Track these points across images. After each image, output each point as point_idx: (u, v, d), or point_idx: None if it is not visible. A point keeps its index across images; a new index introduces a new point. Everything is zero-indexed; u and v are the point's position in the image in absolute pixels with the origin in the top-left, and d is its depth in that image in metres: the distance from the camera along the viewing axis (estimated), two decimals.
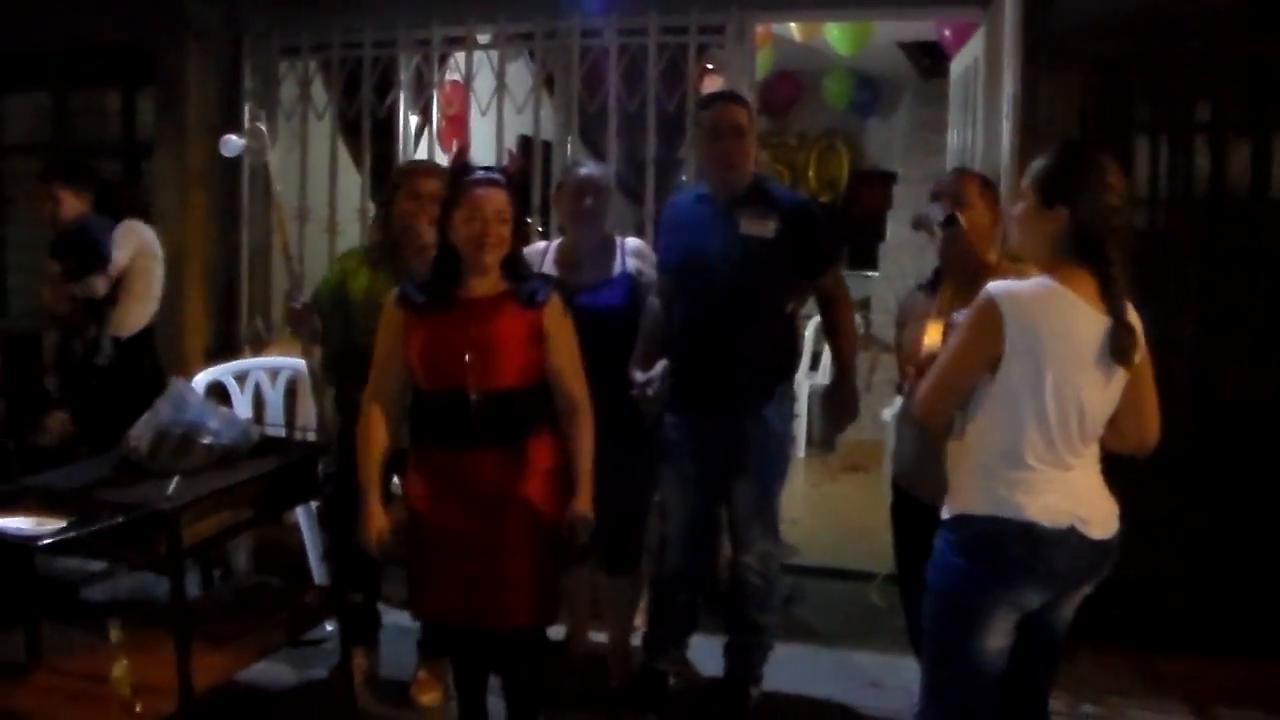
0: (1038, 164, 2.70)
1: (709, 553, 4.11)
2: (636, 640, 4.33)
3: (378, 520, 3.35)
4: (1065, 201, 2.60)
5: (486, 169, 3.40)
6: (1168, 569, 4.47)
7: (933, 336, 3.20)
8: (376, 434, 3.38)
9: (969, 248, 3.36)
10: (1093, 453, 2.70)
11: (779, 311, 3.94)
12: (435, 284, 3.34)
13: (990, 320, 2.57)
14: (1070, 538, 2.61)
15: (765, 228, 3.82)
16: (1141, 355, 2.64)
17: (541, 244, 4.29)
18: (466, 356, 3.22)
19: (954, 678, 2.77)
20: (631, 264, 4.07)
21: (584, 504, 3.33)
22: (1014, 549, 2.60)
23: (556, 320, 3.34)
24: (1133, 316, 2.60)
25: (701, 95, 4.96)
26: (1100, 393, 2.62)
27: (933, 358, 2.90)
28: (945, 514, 2.75)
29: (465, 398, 3.22)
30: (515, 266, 3.36)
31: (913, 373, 3.17)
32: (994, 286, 2.60)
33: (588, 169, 4.15)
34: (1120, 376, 2.63)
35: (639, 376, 3.83)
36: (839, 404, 4.01)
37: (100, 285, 5.01)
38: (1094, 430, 2.66)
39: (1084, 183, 2.59)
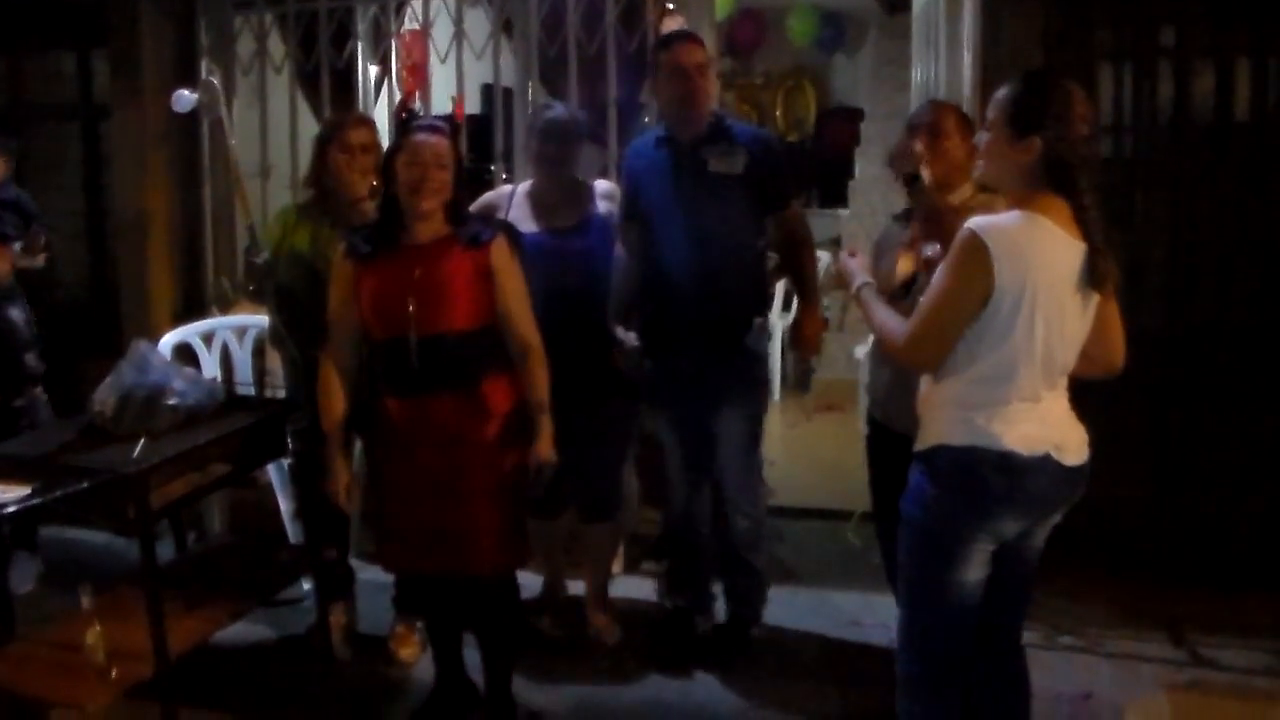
0: (1004, 94, 2.65)
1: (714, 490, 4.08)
2: (614, 589, 4.36)
3: (342, 474, 3.39)
4: (1036, 131, 2.56)
5: (431, 119, 3.39)
6: (1141, 496, 4.50)
7: (904, 267, 3.22)
8: (335, 390, 3.41)
9: (935, 200, 3.35)
10: (1063, 381, 2.70)
11: (751, 248, 3.92)
12: (379, 232, 3.35)
13: (978, 257, 2.52)
14: (1047, 465, 2.61)
15: (734, 164, 3.80)
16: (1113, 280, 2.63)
17: (508, 187, 4.25)
18: (410, 301, 3.22)
19: (933, 611, 2.77)
20: (603, 206, 4.05)
21: (544, 448, 3.34)
22: (992, 478, 2.60)
23: (504, 261, 3.34)
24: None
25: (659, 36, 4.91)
26: (1078, 321, 2.63)
27: (902, 285, 2.91)
28: (919, 446, 2.74)
29: (412, 343, 3.24)
30: (458, 212, 3.35)
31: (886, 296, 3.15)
32: (976, 223, 2.56)
33: (555, 111, 4.10)
34: (1094, 303, 2.64)
35: (619, 333, 3.83)
36: (805, 335, 4.02)
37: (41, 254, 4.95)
38: (1072, 359, 2.66)
39: (1054, 112, 2.56)
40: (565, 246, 3.92)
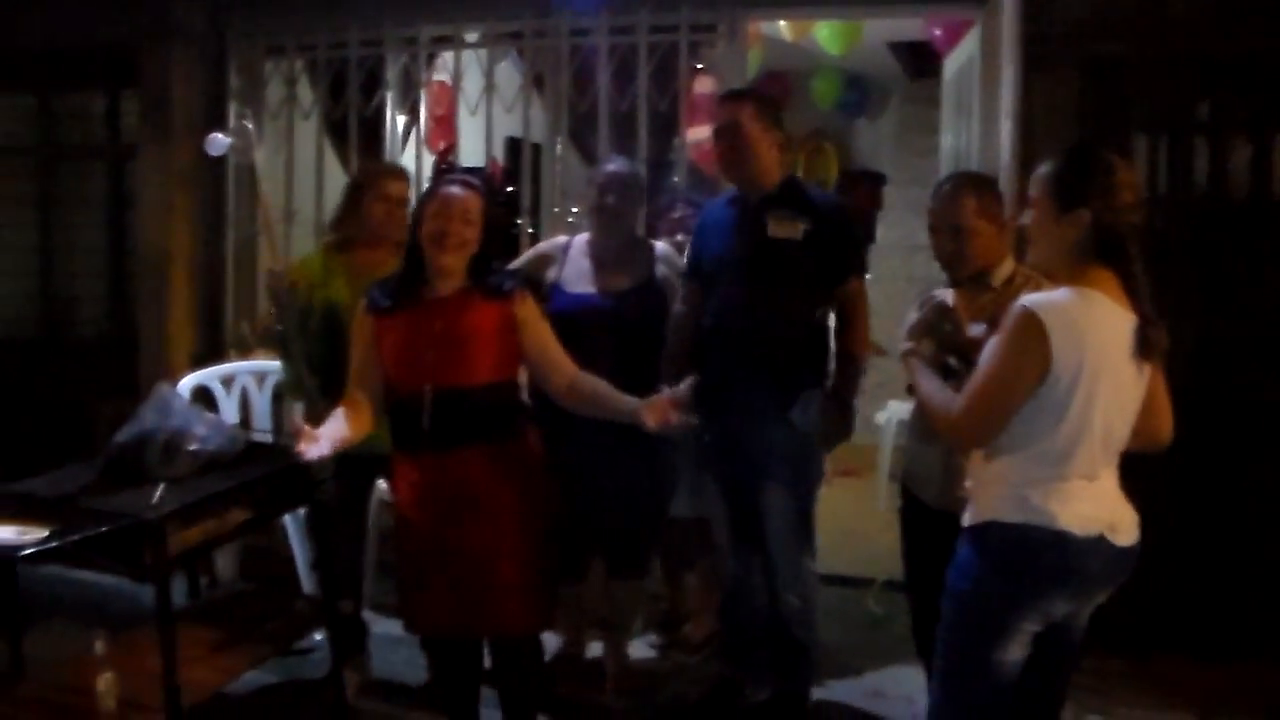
0: (1046, 170, 2.63)
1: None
2: (638, 652, 4.33)
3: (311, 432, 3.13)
4: (1083, 203, 2.53)
5: (469, 172, 3.36)
6: (1169, 573, 4.43)
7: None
8: (356, 409, 3.28)
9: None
10: (1116, 459, 2.65)
11: (806, 316, 3.79)
12: (401, 283, 3.30)
13: (1035, 335, 2.47)
14: (1100, 546, 2.56)
15: (794, 229, 3.71)
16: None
17: (563, 238, 4.22)
18: (431, 354, 3.18)
19: (970, 689, 2.69)
20: (661, 270, 4.01)
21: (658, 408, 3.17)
22: (1046, 558, 2.54)
23: (529, 311, 3.31)
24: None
25: (693, 95, 4.92)
26: (1134, 394, 2.59)
27: (940, 366, 2.92)
28: (970, 520, 2.68)
29: (428, 397, 3.19)
30: (482, 272, 3.29)
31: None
32: (1032, 300, 2.52)
33: (617, 164, 4.07)
34: (1145, 374, 2.60)
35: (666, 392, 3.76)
36: (831, 420, 3.80)
37: None
38: (1128, 434, 2.62)
39: (1099, 183, 2.53)
40: (622, 310, 3.86)
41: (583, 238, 4.09)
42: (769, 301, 3.70)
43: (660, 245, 4.12)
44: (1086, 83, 4.45)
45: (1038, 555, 2.55)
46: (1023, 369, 2.51)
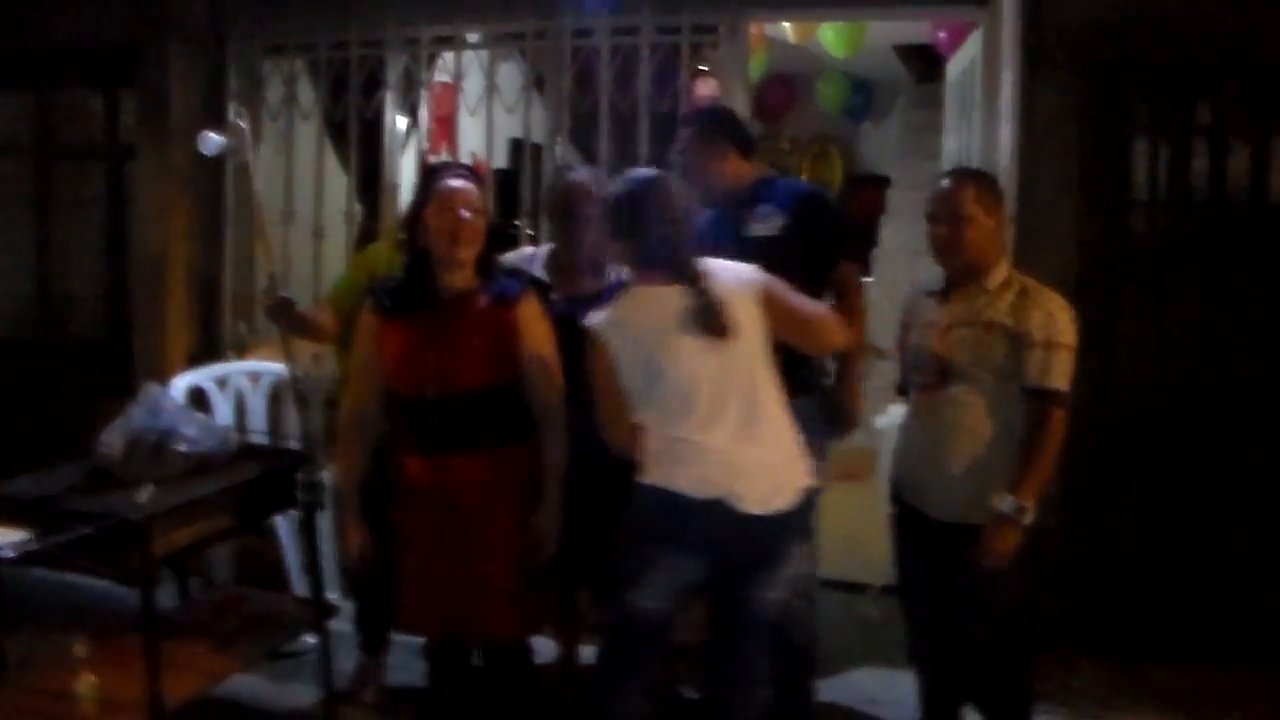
0: None
1: None
2: None
3: (356, 535, 3.33)
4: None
5: (456, 165, 3.35)
6: (1158, 578, 4.41)
7: (943, 346, 3.25)
8: (355, 449, 3.35)
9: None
10: (764, 432, 2.93)
11: None
12: (407, 286, 3.27)
13: (595, 344, 2.99)
14: (719, 509, 2.86)
15: (770, 225, 3.72)
16: (762, 298, 2.94)
17: (529, 249, 4.18)
18: (432, 357, 3.17)
19: (612, 620, 3.08)
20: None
21: (546, 519, 3.26)
22: (659, 515, 2.93)
23: (531, 319, 3.27)
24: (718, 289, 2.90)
25: (694, 96, 4.88)
26: (707, 359, 2.89)
27: (937, 371, 3.19)
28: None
29: (430, 400, 3.18)
30: (488, 265, 3.28)
31: (919, 379, 3.30)
32: (590, 318, 3.03)
33: (578, 173, 4.04)
34: (721, 345, 2.88)
35: None
36: (836, 412, 3.83)
37: None
38: (730, 396, 2.89)
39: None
40: (575, 314, 3.83)
41: (546, 248, 4.07)
42: None
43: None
44: (1086, 86, 4.41)
45: (654, 513, 2.94)
46: (600, 371, 2.99)
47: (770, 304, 2.96)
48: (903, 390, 3.59)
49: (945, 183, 3.38)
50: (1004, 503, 3.06)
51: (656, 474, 2.94)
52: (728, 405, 2.90)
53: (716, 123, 3.94)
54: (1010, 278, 3.25)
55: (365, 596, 4.04)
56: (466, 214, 3.17)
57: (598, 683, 3.13)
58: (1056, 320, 3.13)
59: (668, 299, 2.91)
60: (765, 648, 3.06)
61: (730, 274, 2.99)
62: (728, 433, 2.89)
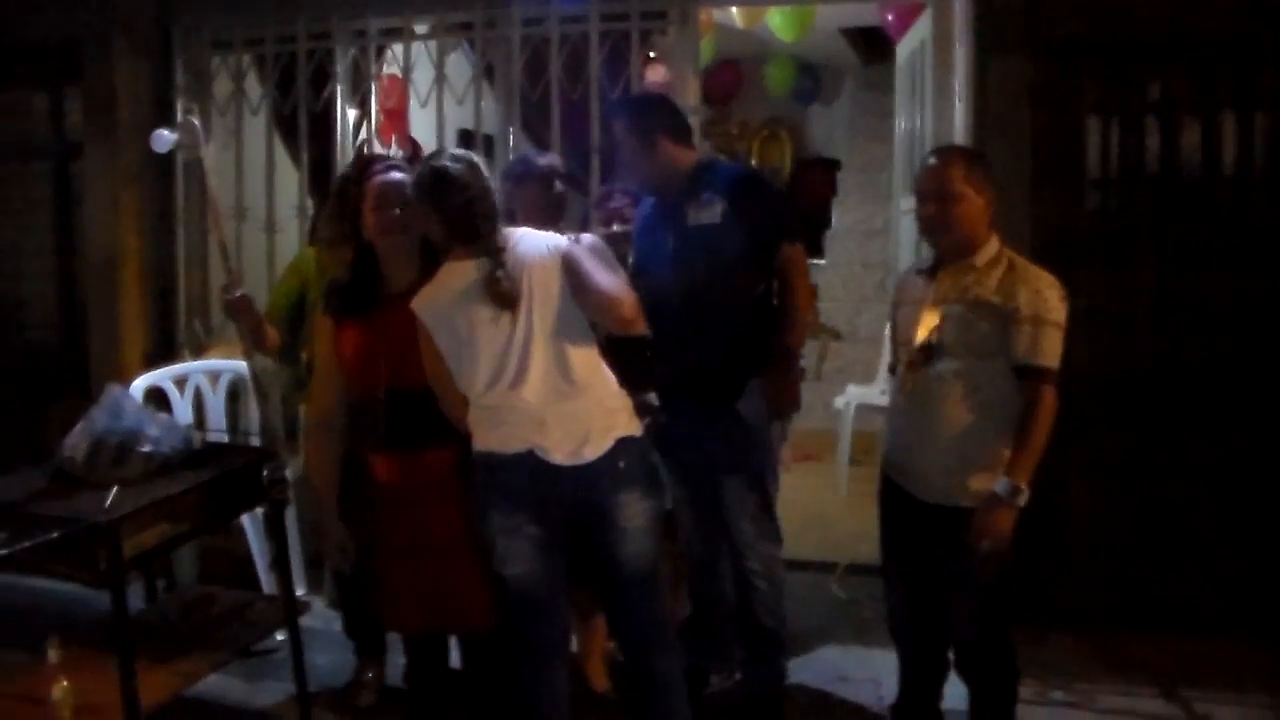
0: None
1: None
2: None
3: (335, 534, 3.35)
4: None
5: (387, 158, 3.39)
6: (1130, 549, 4.47)
7: (928, 324, 3.23)
8: (325, 451, 3.37)
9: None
10: (573, 389, 3.03)
11: (746, 296, 3.77)
12: (355, 285, 3.29)
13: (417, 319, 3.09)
14: (529, 460, 3.01)
15: (712, 213, 3.71)
16: (563, 266, 3.05)
17: None
18: (384, 355, 3.19)
19: (497, 595, 3.16)
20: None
21: None
22: (482, 474, 3.08)
23: None
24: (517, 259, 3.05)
25: (645, 83, 4.88)
26: (494, 330, 3.02)
27: (922, 349, 3.19)
28: None
29: (386, 397, 3.20)
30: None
31: (905, 357, 3.30)
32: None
33: (531, 156, 4.06)
34: (516, 312, 3.01)
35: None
36: (776, 393, 3.79)
37: None
38: (521, 361, 3.01)
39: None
40: None
41: None
42: (703, 291, 3.68)
43: (586, 236, 4.09)
44: (1039, 64, 4.45)
45: (482, 477, 3.09)
46: (426, 351, 3.10)
47: (567, 272, 3.06)
48: (894, 369, 3.60)
49: (932, 160, 3.37)
50: (999, 485, 3.08)
51: (478, 440, 3.08)
52: (531, 367, 3.02)
53: (644, 112, 3.91)
54: (1000, 254, 3.26)
55: (353, 601, 4.02)
56: (398, 211, 3.22)
57: (511, 661, 3.20)
58: (1045, 297, 3.13)
59: (469, 272, 3.04)
60: (659, 602, 3.23)
61: (535, 243, 3.11)
62: (534, 392, 3.01)
